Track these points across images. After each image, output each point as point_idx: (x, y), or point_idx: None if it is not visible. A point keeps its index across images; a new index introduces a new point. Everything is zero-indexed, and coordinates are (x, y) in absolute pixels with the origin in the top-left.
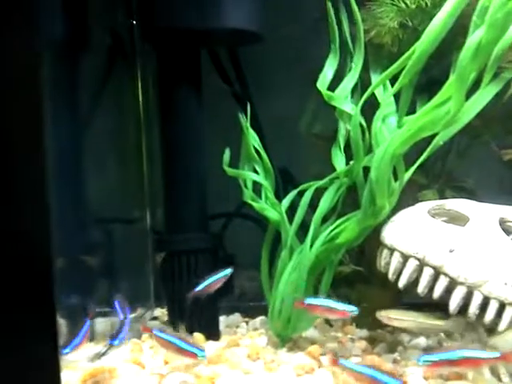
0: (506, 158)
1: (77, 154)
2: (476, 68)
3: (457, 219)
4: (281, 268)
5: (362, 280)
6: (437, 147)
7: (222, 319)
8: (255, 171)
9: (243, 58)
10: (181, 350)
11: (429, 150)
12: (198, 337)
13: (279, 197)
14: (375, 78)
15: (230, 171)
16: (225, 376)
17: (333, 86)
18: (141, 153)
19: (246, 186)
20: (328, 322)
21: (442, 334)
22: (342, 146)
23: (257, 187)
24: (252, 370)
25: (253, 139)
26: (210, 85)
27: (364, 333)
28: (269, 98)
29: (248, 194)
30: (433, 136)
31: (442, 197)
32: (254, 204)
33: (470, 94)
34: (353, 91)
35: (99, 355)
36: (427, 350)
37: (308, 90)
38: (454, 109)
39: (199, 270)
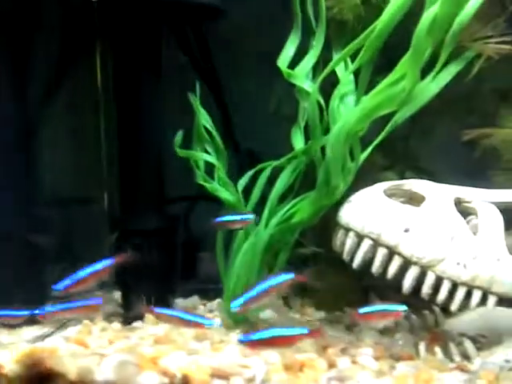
0: (465, 139)
1: (30, 132)
2: (431, 44)
3: (414, 199)
4: (236, 249)
5: (322, 262)
6: (395, 127)
7: (180, 302)
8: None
9: (209, 37)
10: (187, 322)
11: (387, 129)
12: (150, 318)
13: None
14: (337, 56)
15: (181, 152)
16: (168, 356)
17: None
18: (99, 134)
19: (197, 167)
20: (287, 304)
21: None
22: (302, 126)
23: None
24: (197, 351)
25: (204, 119)
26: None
27: (322, 314)
28: (238, 78)
29: (200, 175)
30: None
31: (403, 178)
32: (207, 185)
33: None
34: (315, 70)
35: (43, 337)
36: (383, 331)
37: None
38: (408, 86)
39: (152, 250)
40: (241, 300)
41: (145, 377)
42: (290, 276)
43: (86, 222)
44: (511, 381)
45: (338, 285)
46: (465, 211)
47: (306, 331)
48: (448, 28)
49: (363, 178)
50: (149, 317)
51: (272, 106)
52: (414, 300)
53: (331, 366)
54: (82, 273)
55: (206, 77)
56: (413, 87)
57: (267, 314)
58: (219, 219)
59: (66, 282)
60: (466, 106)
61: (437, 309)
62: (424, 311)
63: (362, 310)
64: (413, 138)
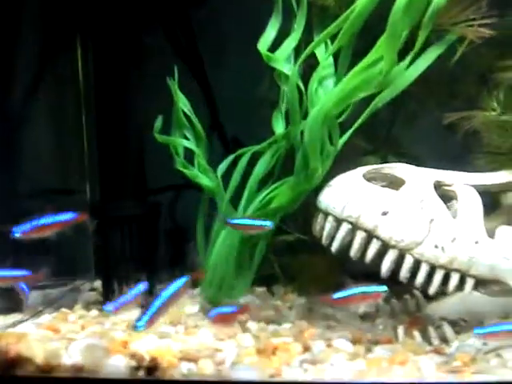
0: (445, 122)
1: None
2: (407, 26)
3: (395, 183)
4: (215, 235)
5: (306, 248)
6: (376, 110)
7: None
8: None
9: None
10: None
11: (367, 112)
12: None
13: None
14: (316, 39)
15: (160, 138)
16: (140, 340)
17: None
18: (81, 125)
19: (177, 153)
20: (270, 290)
21: (380, 300)
22: (283, 110)
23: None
24: (169, 335)
25: (183, 104)
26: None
27: (303, 300)
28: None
29: (179, 162)
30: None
31: (385, 162)
32: (186, 171)
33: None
34: (298, 54)
35: (15, 323)
36: (364, 316)
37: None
38: (385, 68)
39: (133, 237)
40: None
41: (113, 360)
42: (183, 280)
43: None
44: (486, 362)
45: (319, 270)
46: (445, 195)
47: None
48: (425, 10)
49: (345, 163)
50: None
51: (259, 92)
52: (395, 285)
53: (306, 349)
54: (43, 220)
55: (191, 62)
56: (390, 69)
57: (249, 299)
58: (234, 221)
59: (26, 226)
60: (450, 89)
61: (418, 293)
62: (405, 296)
63: (336, 295)
64: (396, 122)
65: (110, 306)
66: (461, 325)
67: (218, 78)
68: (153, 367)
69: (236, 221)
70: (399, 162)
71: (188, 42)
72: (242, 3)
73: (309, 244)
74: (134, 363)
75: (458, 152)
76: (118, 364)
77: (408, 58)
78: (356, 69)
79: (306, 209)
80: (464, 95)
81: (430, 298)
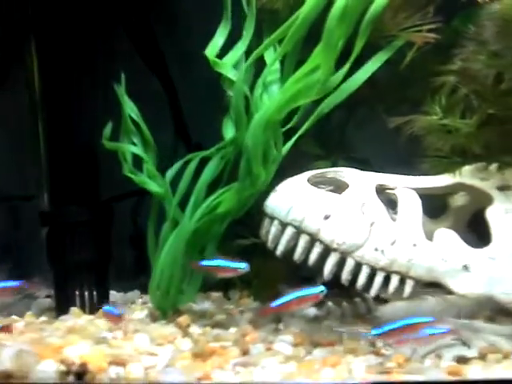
0: (391, 126)
1: None
2: (343, 34)
3: (341, 187)
4: (162, 240)
5: (261, 253)
6: (323, 116)
7: (120, 296)
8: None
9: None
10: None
11: (312, 118)
12: (76, 311)
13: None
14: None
15: (108, 144)
16: (74, 346)
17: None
18: (37, 131)
19: (125, 159)
20: (226, 295)
21: (330, 303)
22: (233, 116)
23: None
24: (106, 340)
25: (130, 110)
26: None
27: (257, 305)
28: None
29: (127, 168)
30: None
31: (335, 167)
32: (134, 177)
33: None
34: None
35: None
36: (314, 319)
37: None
38: (322, 76)
39: (83, 243)
40: None
41: (43, 365)
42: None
43: (26, 219)
44: (420, 363)
45: (275, 275)
46: (388, 197)
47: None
48: (361, 18)
49: (296, 168)
50: (74, 310)
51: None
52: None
53: (244, 352)
54: None
55: (154, 66)
56: (327, 77)
57: (205, 305)
58: (205, 263)
59: None
60: (399, 94)
61: (369, 296)
62: (356, 299)
63: (274, 304)
64: (348, 127)
65: None
66: None
67: (183, 83)
68: (82, 372)
69: (208, 263)
70: (350, 166)
71: (150, 46)
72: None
73: (265, 248)
74: (63, 368)
75: (407, 156)
76: (48, 369)
77: (347, 66)
78: (296, 75)
79: (260, 213)
80: (413, 100)
81: (380, 301)
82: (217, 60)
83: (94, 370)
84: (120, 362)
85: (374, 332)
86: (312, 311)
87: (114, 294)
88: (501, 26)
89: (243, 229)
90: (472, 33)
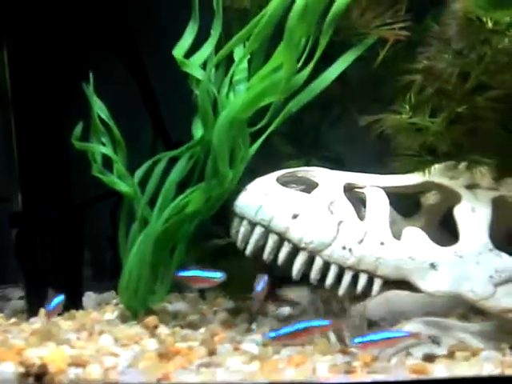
0: (361, 124)
1: None
2: (305, 32)
3: (311, 187)
4: (132, 241)
5: (236, 252)
6: (289, 114)
7: (95, 297)
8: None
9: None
10: None
11: (280, 117)
12: (42, 312)
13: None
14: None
15: (77, 144)
16: (37, 347)
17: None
18: (11, 132)
19: (94, 159)
20: (202, 296)
21: (306, 304)
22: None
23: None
24: (69, 341)
25: (99, 110)
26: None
27: (231, 304)
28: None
29: (96, 168)
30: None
31: (308, 166)
32: (103, 177)
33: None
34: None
35: None
36: (287, 318)
37: None
38: (285, 74)
39: (51, 244)
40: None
41: (2, 367)
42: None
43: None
44: (385, 361)
45: (249, 275)
46: (356, 196)
47: None
48: (323, 16)
49: (270, 167)
50: (43, 312)
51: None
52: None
53: (211, 353)
54: None
55: (130, 63)
56: (290, 75)
57: (179, 305)
58: (183, 273)
59: None
60: (373, 93)
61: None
62: (330, 297)
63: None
64: (321, 126)
65: None
66: (380, 325)
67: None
68: (41, 373)
69: (184, 273)
70: (323, 165)
71: (127, 46)
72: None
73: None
74: (22, 370)
75: (381, 155)
76: (7, 371)
77: (310, 65)
78: (260, 74)
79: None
80: (385, 98)
81: (354, 299)
82: (184, 60)
83: (53, 372)
84: (80, 363)
85: (270, 334)
86: (286, 310)
87: (89, 295)
88: (463, 24)
89: (219, 229)
90: (436, 31)
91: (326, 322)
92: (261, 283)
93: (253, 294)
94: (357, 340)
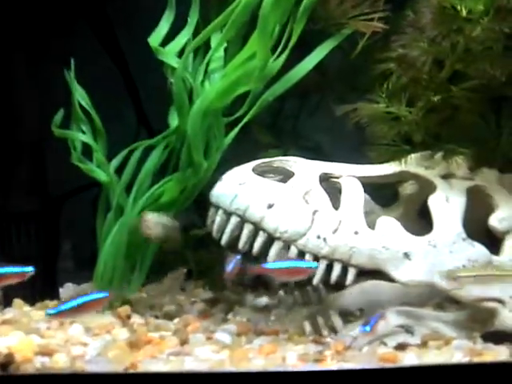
0: (338, 113)
1: None
2: (278, 20)
3: (288, 176)
4: (107, 229)
5: (215, 243)
6: (266, 104)
7: (73, 287)
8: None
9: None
10: None
11: (256, 106)
12: (18, 302)
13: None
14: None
15: (57, 132)
16: (5, 336)
17: None
18: None
19: (74, 147)
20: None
21: (282, 292)
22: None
23: None
24: (38, 331)
25: (81, 97)
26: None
27: (209, 294)
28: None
29: (75, 156)
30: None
31: (287, 156)
32: (82, 165)
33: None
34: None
35: None
36: (263, 308)
37: None
38: (259, 63)
39: (26, 234)
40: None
41: None
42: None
43: None
44: (357, 351)
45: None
46: (333, 186)
47: None
48: (298, 4)
49: (248, 157)
50: (16, 302)
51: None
52: None
53: (183, 342)
54: None
55: (112, 52)
56: (264, 63)
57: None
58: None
59: None
60: (351, 82)
61: (320, 285)
62: (307, 287)
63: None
64: (300, 115)
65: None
66: (355, 315)
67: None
68: (7, 362)
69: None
70: (302, 155)
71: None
72: None
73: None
74: None
75: (360, 144)
76: None
77: (284, 55)
78: (234, 62)
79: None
80: (363, 88)
81: (331, 289)
82: (159, 48)
83: (19, 361)
84: (47, 352)
85: (48, 312)
86: (263, 300)
87: (68, 286)
88: (436, 12)
89: (198, 219)
90: (411, 19)
91: (103, 295)
92: (231, 263)
93: (224, 273)
94: None
